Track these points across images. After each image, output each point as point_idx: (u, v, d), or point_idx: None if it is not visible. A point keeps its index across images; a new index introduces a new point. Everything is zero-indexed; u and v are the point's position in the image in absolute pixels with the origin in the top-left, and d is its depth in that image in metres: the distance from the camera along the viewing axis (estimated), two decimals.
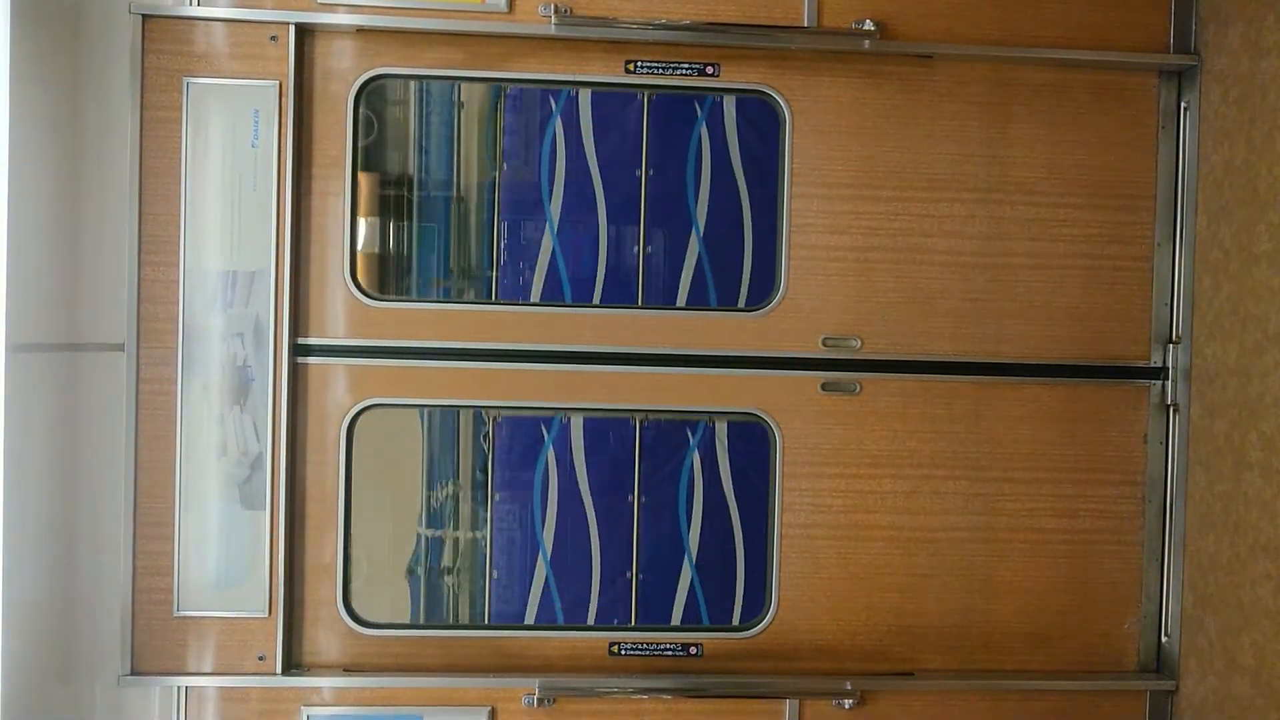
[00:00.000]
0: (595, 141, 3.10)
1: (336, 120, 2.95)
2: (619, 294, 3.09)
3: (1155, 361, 3.12)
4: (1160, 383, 3.12)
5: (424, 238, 3.16)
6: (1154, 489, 3.13)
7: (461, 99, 3.10)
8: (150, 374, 2.87)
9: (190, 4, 2.86)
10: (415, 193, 3.14)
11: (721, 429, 3.12)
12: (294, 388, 2.92)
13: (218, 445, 2.88)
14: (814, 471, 3.06)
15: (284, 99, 2.87)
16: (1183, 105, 3.10)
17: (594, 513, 3.12)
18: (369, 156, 3.02)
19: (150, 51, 2.84)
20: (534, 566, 3.12)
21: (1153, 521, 3.13)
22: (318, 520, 2.97)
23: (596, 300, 3.07)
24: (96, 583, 2.85)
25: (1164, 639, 3.12)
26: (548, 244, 3.10)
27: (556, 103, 3.07)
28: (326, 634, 2.98)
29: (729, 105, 3.08)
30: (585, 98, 3.07)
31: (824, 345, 3.05)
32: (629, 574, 3.13)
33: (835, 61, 3.03)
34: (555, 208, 3.11)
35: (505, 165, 3.11)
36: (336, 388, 2.97)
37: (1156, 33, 3.08)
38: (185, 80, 2.85)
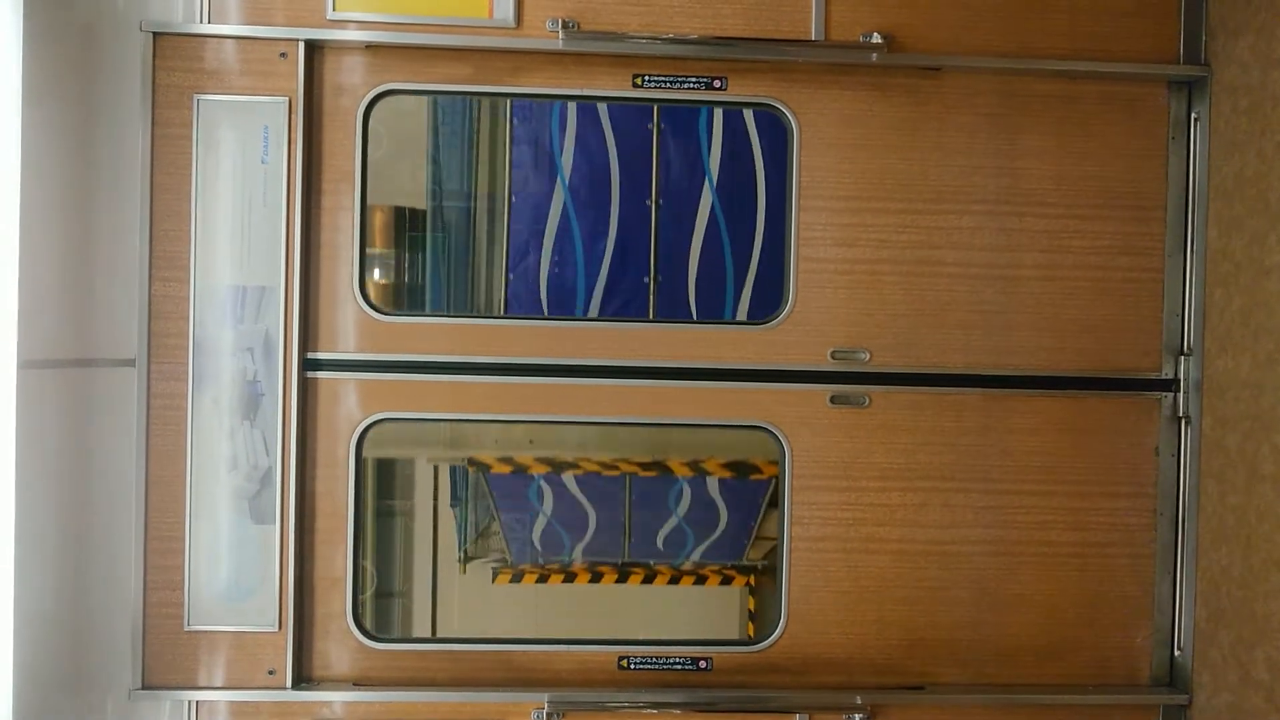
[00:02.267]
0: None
1: (346, 136, 2.96)
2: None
3: (1166, 373, 3.11)
4: (1172, 395, 3.10)
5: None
6: (1166, 502, 3.11)
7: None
8: (161, 389, 2.88)
9: (201, 21, 2.88)
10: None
11: None
12: (304, 402, 2.93)
13: (228, 459, 2.89)
14: (823, 485, 3.06)
15: (294, 115, 2.89)
16: (1193, 116, 3.08)
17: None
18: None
19: (161, 69, 2.86)
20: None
21: (1165, 534, 3.11)
22: (327, 534, 2.97)
23: (601, 314, 3.08)
24: (108, 596, 2.86)
25: (1177, 653, 3.10)
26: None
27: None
28: (336, 648, 2.99)
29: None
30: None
31: (833, 358, 3.05)
32: None
33: (843, 74, 3.03)
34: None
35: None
36: (346, 402, 2.98)
37: (1166, 43, 3.07)
38: (196, 97, 2.87)
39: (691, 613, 3.70)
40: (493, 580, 3.50)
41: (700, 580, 3.45)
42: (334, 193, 2.96)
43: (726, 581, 3.48)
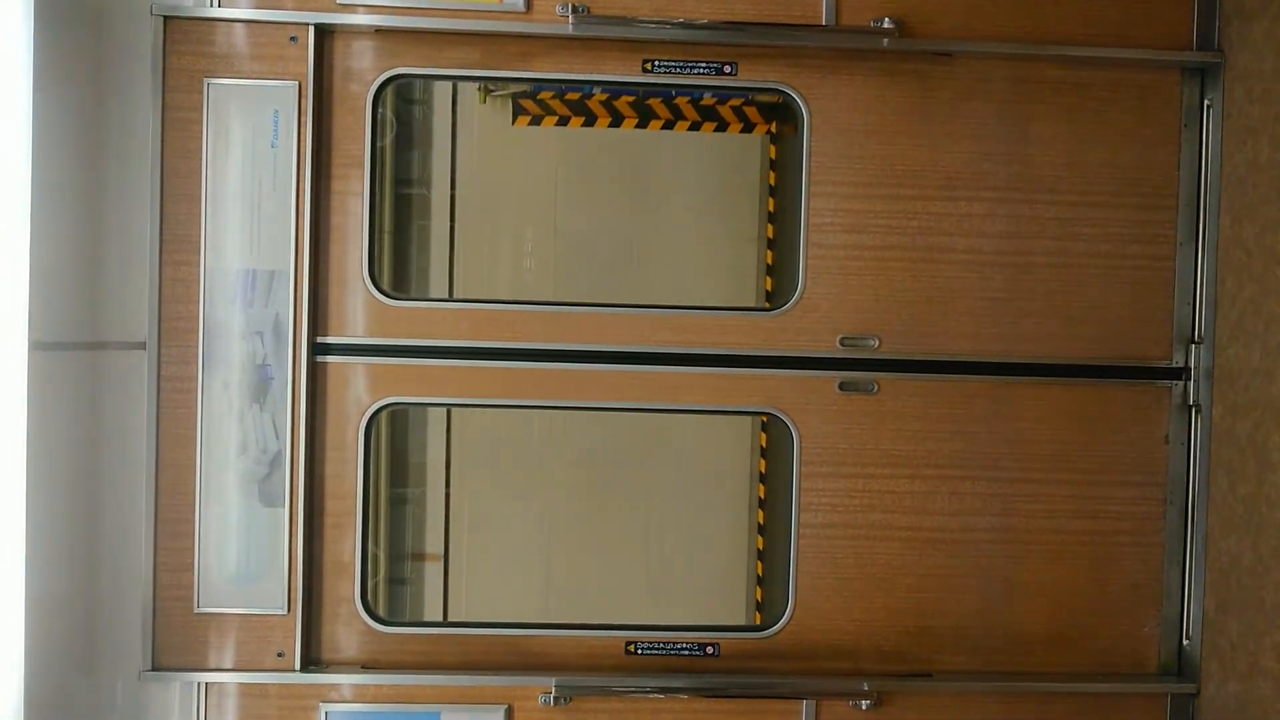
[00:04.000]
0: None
1: (356, 120, 2.96)
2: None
3: (1177, 362, 3.09)
4: (1182, 383, 3.09)
5: None
6: (1175, 490, 3.10)
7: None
8: (171, 372, 2.89)
9: (211, 5, 2.88)
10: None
11: None
12: (313, 386, 2.94)
13: (238, 443, 2.89)
14: (831, 471, 3.05)
15: (303, 99, 2.89)
16: (1205, 103, 3.06)
17: None
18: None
19: (171, 52, 2.86)
20: None
21: (1174, 523, 3.10)
22: (336, 518, 2.98)
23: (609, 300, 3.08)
24: (118, 579, 2.87)
25: (1185, 642, 3.10)
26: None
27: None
28: (345, 631, 3.00)
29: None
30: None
31: (842, 345, 3.04)
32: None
33: (854, 60, 3.02)
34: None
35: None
36: (355, 386, 2.98)
37: (1179, 29, 3.05)
38: (206, 81, 2.87)
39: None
40: (513, 121, 3.36)
41: (721, 127, 3.31)
42: (343, 177, 2.96)
43: (748, 129, 3.34)
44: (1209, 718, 3.00)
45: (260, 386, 2.89)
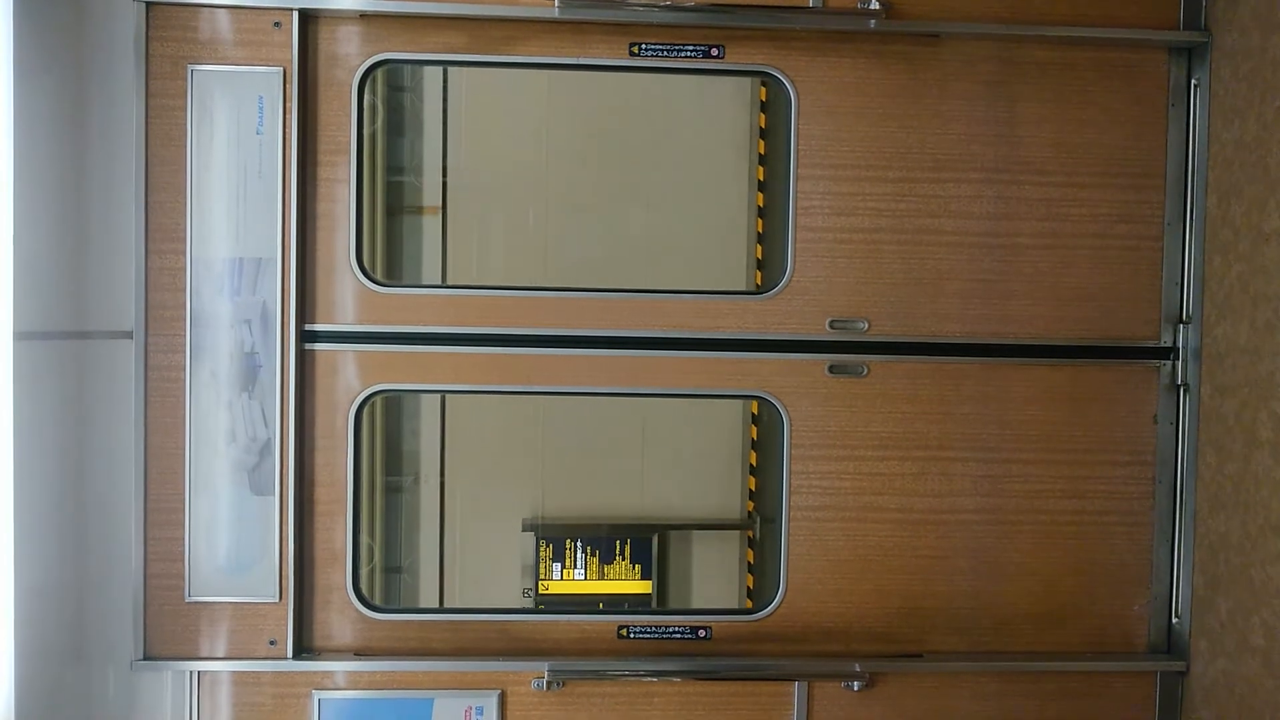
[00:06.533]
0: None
1: (341, 106, 2.94)
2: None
3: (1165, 341, 3.10)
4: (1170, 363, 3.10)
5: None
6: (1164, 469, 3.11)
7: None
8: (159, 361, 2.88)
9: None
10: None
11: None
12: (301, 374, 2.93)
13: (226, 432, 2.89)
14: (822, 454, 3.06)
15: (289, 85, 2.87)
16: (1193, 82, 3.06)
17: None
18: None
19: (154, 39, 2.84)
20: None
21: (1163, 502, 3.12)
22: (327, 505, 2.98)
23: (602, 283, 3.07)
24: (108, 569, 2.87)
25: (1174, 620, 3.12)
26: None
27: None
28: (337, 618, 3.00)
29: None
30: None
31: (831, 327, 3.04)
32: None
33: (841, 41, 3.01)
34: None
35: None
36: (344, 374, 2.97)
37: (1166, 9, 3.05)
38: (190, 67, 2.85)
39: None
40: None
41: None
42: (330, 164, 2.94)
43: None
44: (1198, 695, 3.02)
45: (248, 375, 2.88)
